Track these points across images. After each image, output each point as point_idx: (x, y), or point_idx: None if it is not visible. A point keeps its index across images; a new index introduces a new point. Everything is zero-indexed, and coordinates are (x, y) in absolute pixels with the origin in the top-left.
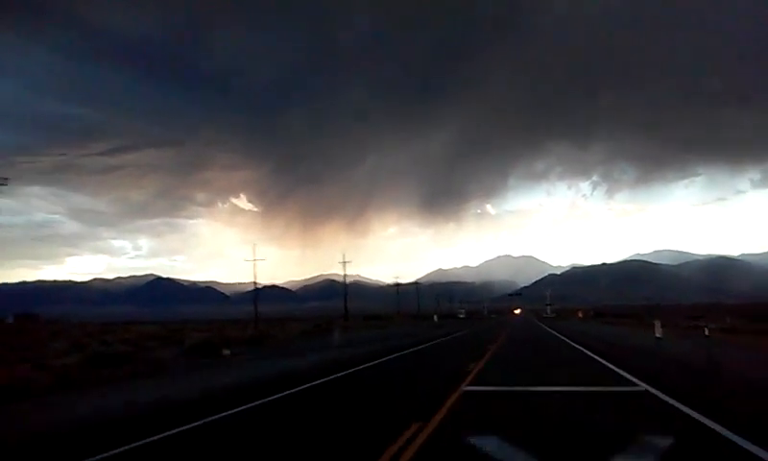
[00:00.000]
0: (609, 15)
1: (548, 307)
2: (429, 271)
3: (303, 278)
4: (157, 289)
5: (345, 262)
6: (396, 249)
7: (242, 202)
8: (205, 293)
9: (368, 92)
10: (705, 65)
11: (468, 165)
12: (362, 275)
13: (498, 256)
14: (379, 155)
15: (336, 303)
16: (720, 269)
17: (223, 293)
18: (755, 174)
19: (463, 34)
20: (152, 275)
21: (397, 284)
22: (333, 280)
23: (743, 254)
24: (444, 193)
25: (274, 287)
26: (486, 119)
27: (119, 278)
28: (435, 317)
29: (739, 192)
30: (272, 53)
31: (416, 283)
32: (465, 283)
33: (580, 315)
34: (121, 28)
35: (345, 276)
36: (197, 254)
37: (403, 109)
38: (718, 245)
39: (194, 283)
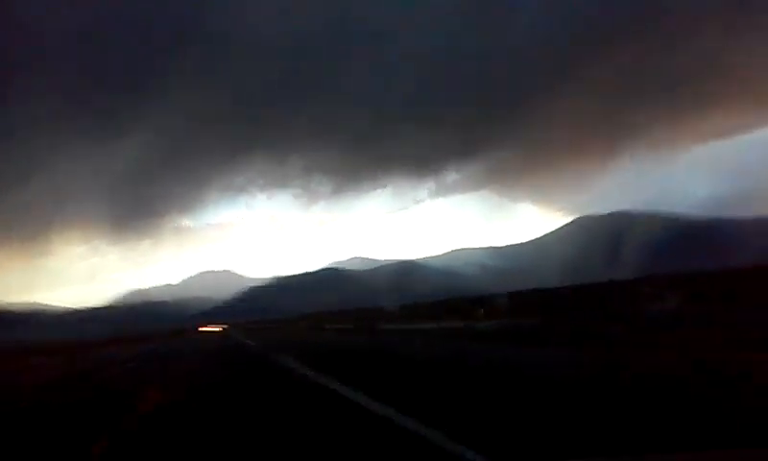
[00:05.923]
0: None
1: None
2: (125, 292)
3: None
4: None
5: None
6: (85, 270)
7: None
8: None
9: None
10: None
11: (163, 179)
12: (41, 301)
13: (201, 272)
14: (59, 171)
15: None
16: (405, 272)
17: None
18: (431, 185)
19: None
20: None
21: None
22: (7, 310)
23: (423, 258)
24: (137, 208)
25: None
26: (181, 133)
27: None
28: None
29: (419, 201)
30: None
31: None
32: (163, 303)
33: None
34: None
35: None
36: None
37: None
38: (402, 250)
39: None
